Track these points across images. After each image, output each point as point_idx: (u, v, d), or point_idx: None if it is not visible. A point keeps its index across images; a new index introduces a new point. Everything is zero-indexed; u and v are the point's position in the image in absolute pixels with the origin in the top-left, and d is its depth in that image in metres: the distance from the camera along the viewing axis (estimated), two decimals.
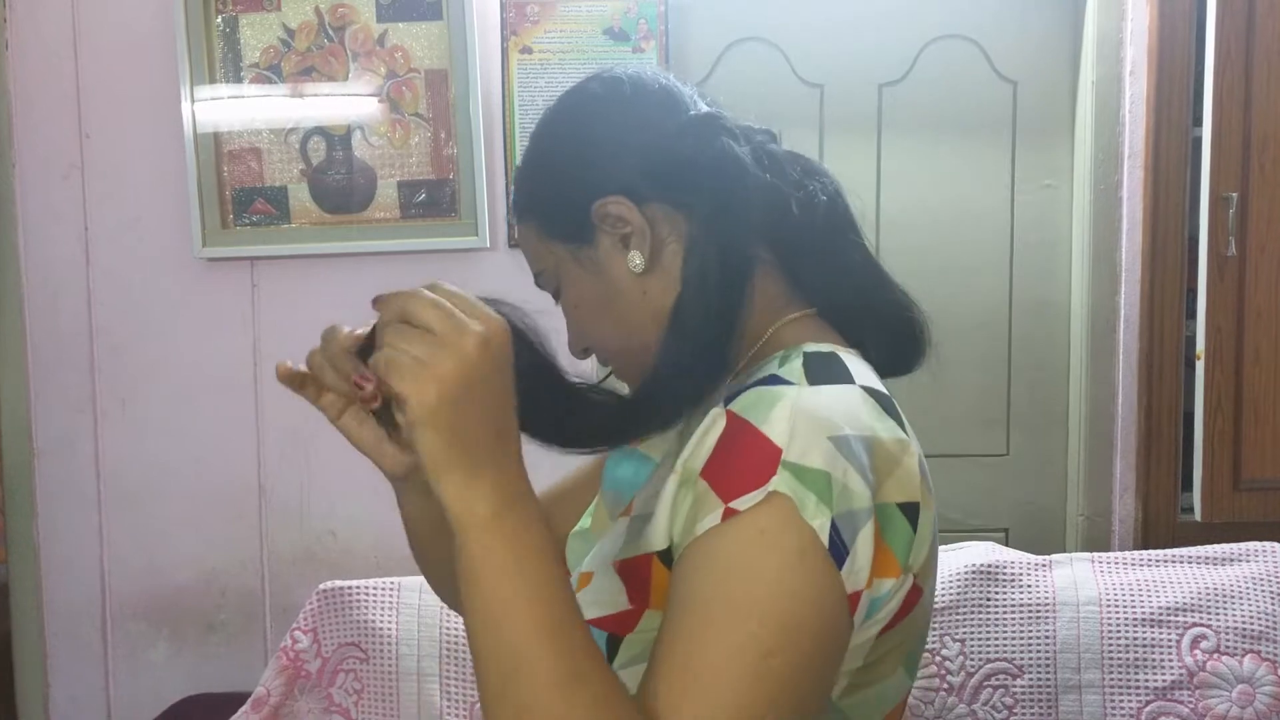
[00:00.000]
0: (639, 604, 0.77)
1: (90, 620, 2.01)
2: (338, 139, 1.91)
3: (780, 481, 0.68)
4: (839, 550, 0.68)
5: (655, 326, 0.81)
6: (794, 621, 0.66)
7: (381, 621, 1.67)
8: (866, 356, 0.85)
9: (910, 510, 0.73)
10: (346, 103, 1.90)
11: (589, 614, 0.75)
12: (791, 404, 0.71)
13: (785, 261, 0.85)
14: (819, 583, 0.67)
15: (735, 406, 0.72)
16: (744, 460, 0.69)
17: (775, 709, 0.65)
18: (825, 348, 0.80)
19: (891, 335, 0.87)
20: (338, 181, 1.92)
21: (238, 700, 1.70)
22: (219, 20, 1.90)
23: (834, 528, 0.68)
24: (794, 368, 0.77)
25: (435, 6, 1.87)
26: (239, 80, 1.90)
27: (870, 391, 0.77)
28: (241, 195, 1.92)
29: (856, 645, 0.72)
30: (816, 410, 0.71)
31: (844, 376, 0.77)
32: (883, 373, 0.85)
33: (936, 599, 1.61)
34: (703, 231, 0.79)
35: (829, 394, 0.74)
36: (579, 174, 0.83)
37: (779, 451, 0.69)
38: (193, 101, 1.89)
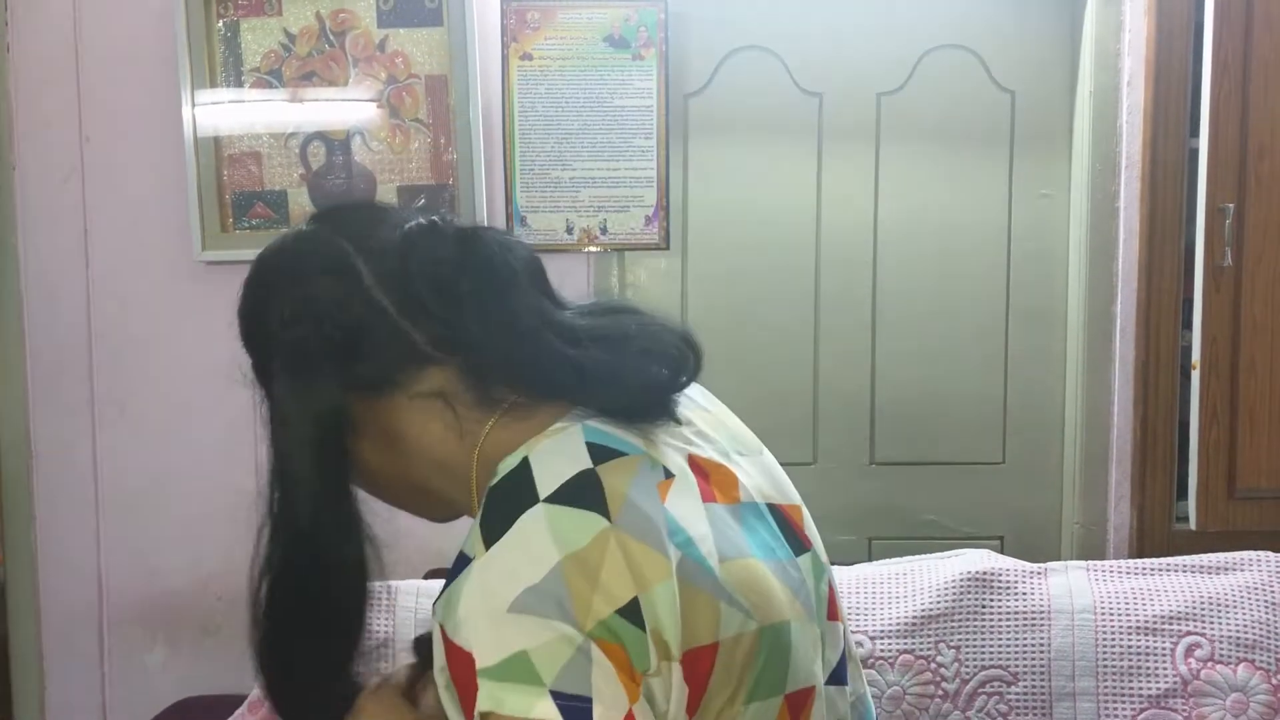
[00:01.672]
0: None
1: (87, 623, 2.01)
2: (338, 144, 1.91)
3: (483, 699, 0.67)
4: (578, 707, 0.66)
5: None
6: None
7: (377, 625, 1.67)
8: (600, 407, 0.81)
9: (629, 611, 0.69)
10: (346, 108, 1.91)
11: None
12: (468, 595, 0.70)
13: (463, 371, 0.81)
14: None
15: (439, 616, 0.72)
16: (458, 679, 0.69)
17: None
18: (512, 461, 0.76)
19: (616, 386, 0.80)
20: (337, 186, 1.92)
21: (234, 703, 1.70)
22: (220, 25, 1.90)
23: (558, 696, 0.66)
24: (475, 533, 0.74)
25: (436, 12, 1.88)
26: (240, 85, 1.91)
27: (556, 493, 0.73)
28: (241, 199, 1.93)
29: None
30: (490, 588, 0.69)
31: (528, 494, 0.73)
32: (629, 418, 0.80)
33: (932, 606, 1.61)
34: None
35: (500, 552, 0.71)
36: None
37: (473, 662, 0.68)
38: (193, 105, 1.90)
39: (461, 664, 0.69)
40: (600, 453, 0.76)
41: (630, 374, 0.80)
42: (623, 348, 0.82)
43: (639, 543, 0.72)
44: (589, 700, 0.67)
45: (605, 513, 0.72)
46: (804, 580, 0.83)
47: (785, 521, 0.85)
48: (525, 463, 0.76)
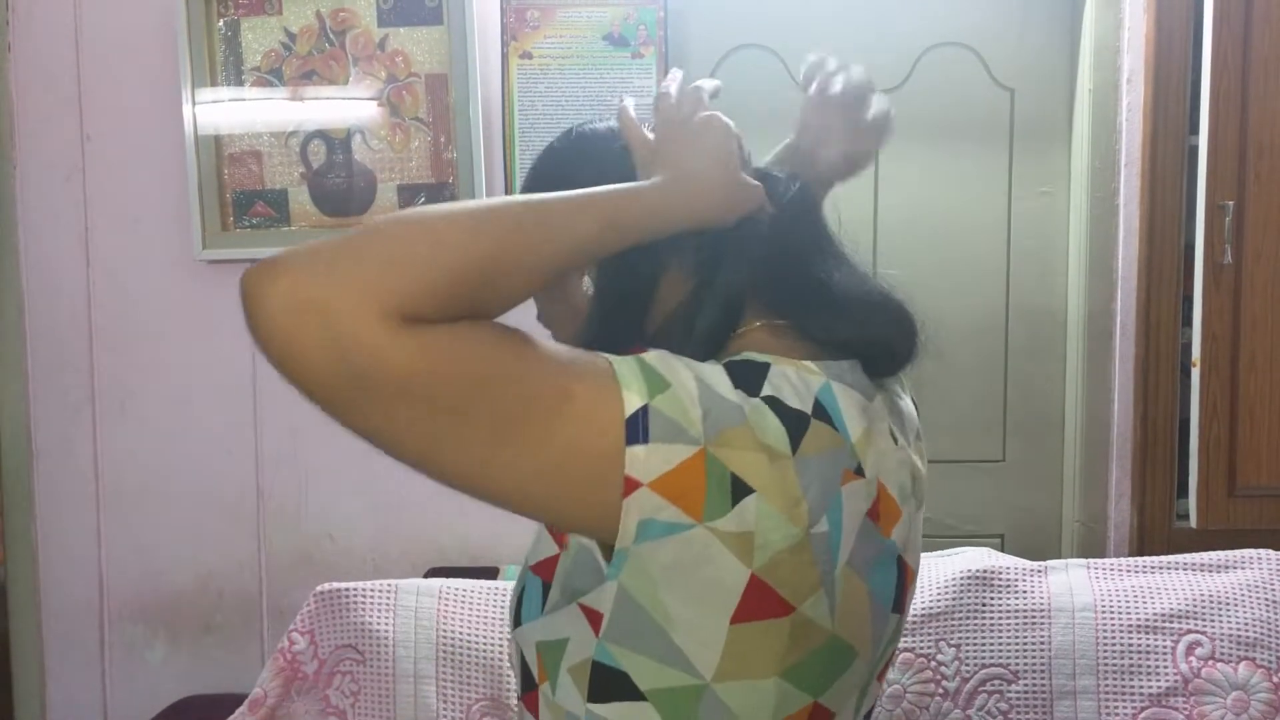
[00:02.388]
0: (559, 547, 0.82)
1: (88, 621, 2.02)
2: (338, 142, 1.92)
3: (618, 361, 0.75)
4: (636, 428, 0.72)
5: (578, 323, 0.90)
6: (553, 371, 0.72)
7: (378, 624, 1.67)
8: (862, 362, 0.87)
9: (739, 485, 0.75)
10: (347, 106, 1.91)
11: (532, 561, 0.83)
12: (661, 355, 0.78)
13: (757, 274, 0.88)
14: (595, 401, 0.72)
15: None
16: None
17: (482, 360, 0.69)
18: (762, 358, 0.82)
19: (873, 340, 0.88)
20: (337, 185, 1.92)
21: (234, 701, 1.70)
22: (220, 24, 1.90)
23: (645, 411, 0.73)
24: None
25: (436, 11, 1.88)
26: (240, 83, 1.91)
27: (771, 402, 0.78)
28: (242, 198, 1.93)
29: (663, 587, 0.75)
30: (687, 366, 0.78)
31: (751, 385, 0.79)
32: (875, 372, 0.88)
33: (932, 604, 1.61)
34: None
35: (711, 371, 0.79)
36: None
37: (640, 350, 0.77)
38: (194, 104, 1.90)
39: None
40: (821, 411, 0.80)
41: (894, 342, 0.88)
42: (881, 314, 0.89)
43: (799, 478, 0.77)
44: (644, 441, 0.73)
45: (794, 449, 0.77)
46: (884, 634, 0.88)
47: (902, 580, 0.89)
48: (762, 365, 0.81)
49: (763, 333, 0.86)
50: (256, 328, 0.64)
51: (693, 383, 0.75)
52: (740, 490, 0.74)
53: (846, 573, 0.80)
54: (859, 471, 0.81)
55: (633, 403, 0.72)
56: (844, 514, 0.79)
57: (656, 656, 0.76)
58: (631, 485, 0.72)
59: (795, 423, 0.78)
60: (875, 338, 0.87)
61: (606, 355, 0.75)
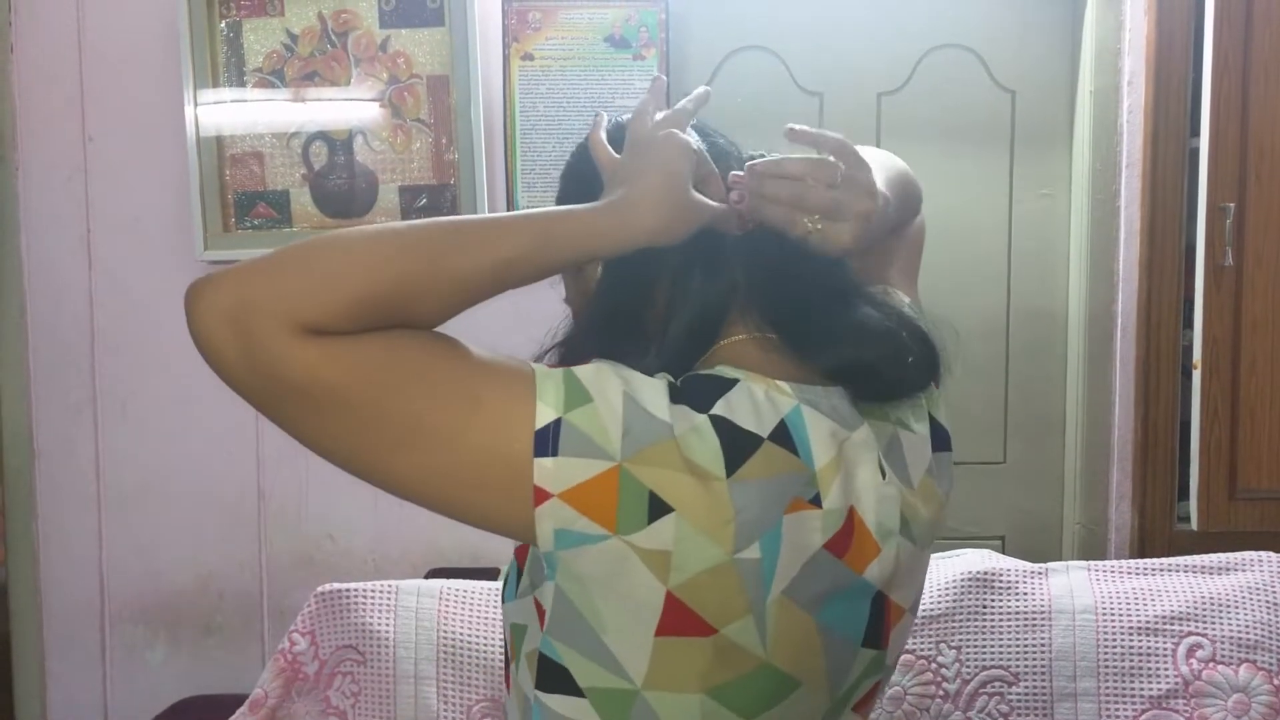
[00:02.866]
0: None
1: (89, 621, 2.02)
2: (339, 144, 1.92)
3: (542, 372, 0.77)
4: (546, 440, 0.74)
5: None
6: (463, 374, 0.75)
7: (379, 624, 1.67)
8: (846, 386, 0.86)
9: (657, 502, 0.75)
10: (348, 108, 1.91)
11: (515, 544, 0.85)
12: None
13: (744, 286, 0.87)
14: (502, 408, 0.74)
15: None
16: None
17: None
18: (734, 374, 0.82)
19: (853, 364, 0.85)
20: (339, 186, 1.92)
21: (235, 702, 1.70)
22: (222, 25, 1.91)
23: (557, 425, 0.74)
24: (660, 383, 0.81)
25: (437, 12, 1.88)
26: (242, 85, 1.91)
27: (717, 421, 0.78)
28: (243, 199, 1.93)
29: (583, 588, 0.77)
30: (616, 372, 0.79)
31: (702, 401, 0.79)
32: (863, 398, 0.86)
33: (933, 606, 1.61)
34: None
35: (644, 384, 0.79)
36: (579, 194, 0.90)
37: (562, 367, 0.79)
38: (195, 105, 1.90)
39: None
40: (782, 435, 0.80)
41: (887, 367, 0.85)
42: (875, 338, 0.86)
43: (731, 501, 0.76)
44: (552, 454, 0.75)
45: (731, 471, 0.77)
46: (850, 668, 0.86)
47: (881, 613, 0.87)
48: (723, 380, 0.81)
49: (749, 345, 0.86)
50: (191, 332, 0.72)
51: (619, 399, 0.76)
52: (658, 508, 0.75)
53: (783, 602, 0.79)
54: (815, 501, 0.80)
55: (545, 415, 0.74)
56: (783, 543, 0.78)
57: (592, 657, 0.78)
58: (541, 495, 0.74)
59: (740, 444, 0.78)
60: (855, 362, 0.84)
61: (534, 365, 0.78)
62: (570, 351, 0.88)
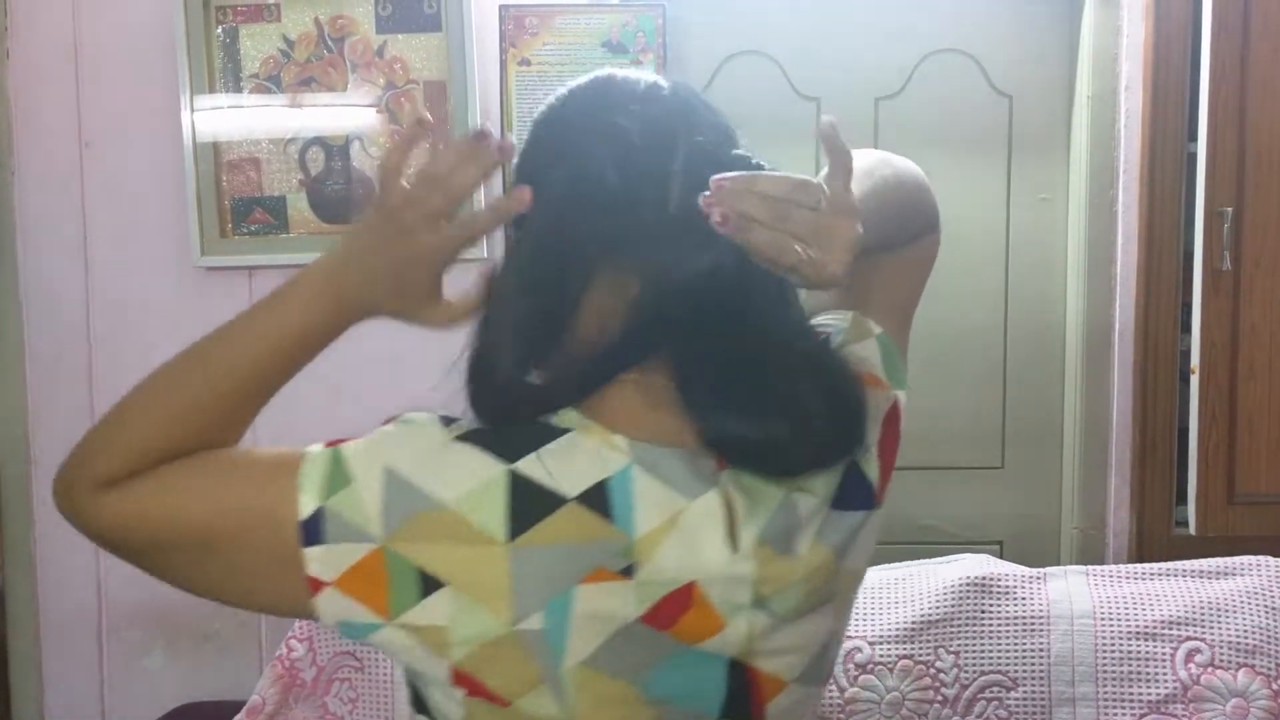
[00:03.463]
0: None
1: (86, 628, 2.01)
2: (336, 149, 1.92)
3: (310, 459, 0.77)
4: (312, 530, 0.74)
5: None
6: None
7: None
8: (729, 461, 0.78)
9: (427, 579, 0.74)
10: (345, 113, 1.91)
11: None
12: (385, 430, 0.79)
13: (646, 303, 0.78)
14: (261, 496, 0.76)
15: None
16: None
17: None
18: (567, 424, 0.77)
19: (750, 442, 0.77)
20: (336, 192, 1.92)
21: (233, 709, 1.70)
22: (219, 30, 1.90)
23: (320, 514, 0.74)
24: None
25: (434, 18, 1.88)
26: (238, 90, 1.91)
27: (514, 478, 0.74)
28: (240, 205, 1.93)
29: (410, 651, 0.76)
30: (390, 444, 0.77)
31: (512, 452, 0.75)
32: (757, 468, 0.78)
33: (931, 611, 1.61)
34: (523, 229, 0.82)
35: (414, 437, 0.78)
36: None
37: (334, 444, 0.78)
38: (192, 111, 1.90)
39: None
40: (597, 498, 0.74)
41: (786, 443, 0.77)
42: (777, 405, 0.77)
43: (510, 567, 0.73)
44: (320, 542, 0.75)
45: (515, 534, 0.74)
46: None
47: (744, 685, 0.80)
48: (560, 433, 0.77)
49: (629, 390, 0.78)
50: None
51: (378, 476, 0.75)
52: (429, 584, 0.74)
53: (584, 673, 0.75)
54: (626, 572, 0.74)
55: (307, 506, 0.74)
56: (573, 614, 0.73)
57: (430, 700, 0.79)
58: (316, 585, 0.74)
59: (534, 505, 0.74)
60: (741, 440, 0.77)
61: (306, 450, 0.77)
62: (479, 365, 0.79)
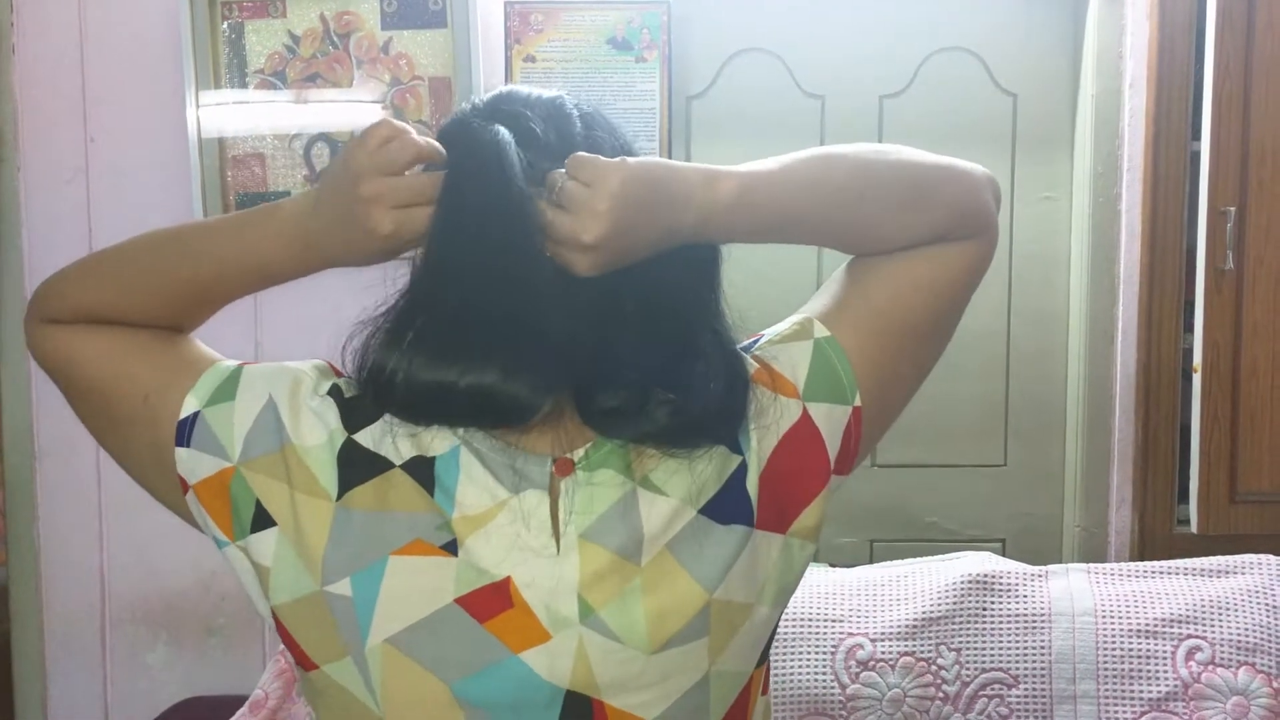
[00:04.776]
0: None
1: (89, 623, 2.02)
2: (341, 145, 1.92)
3: (214, 369, 0.82)
4: (184, 431, 0.79)
5: None
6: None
7: None
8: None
9: (262, 513, 0.77)
10: (350, 109, 1.91)
11: None
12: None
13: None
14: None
15: None
16: None
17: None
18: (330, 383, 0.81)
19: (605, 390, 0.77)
20: None
21: (236, 703, 1.70)
22: (224, 26, 1.91)
23: (195, 417, 0.79)
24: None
25: (439, 14, 1.88)
26: (244, 86, 1.91)
27: (346, 442, 0.77)
28: (245, 200, 1.93)
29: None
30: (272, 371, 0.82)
31: (356, 421, 0.78)
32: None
33: (932, 608, 1.61)
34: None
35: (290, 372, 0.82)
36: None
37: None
38: (197, 107, 1.90)
39: None
40: (421, 469, 0.75)
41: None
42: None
43: (331, 526, 0.75)
44: (187, 444, 0.79)
45: (340, 494, 0.75)
46: None
47: (582, 710, 0.74)
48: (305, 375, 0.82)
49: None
50: None
51: (259, 403, 0.78)
52: (263, 519, 0.76)
53: (389, 652, 0.73)
54: (449, 548, 0.73)
55: (189, 406, 0.79)
56: (385, 583, 0.72)
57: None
58: (184, 485, 0.79)
59: (361, 467, 0.75)
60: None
61: (217, 362, 0.82)
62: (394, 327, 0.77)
